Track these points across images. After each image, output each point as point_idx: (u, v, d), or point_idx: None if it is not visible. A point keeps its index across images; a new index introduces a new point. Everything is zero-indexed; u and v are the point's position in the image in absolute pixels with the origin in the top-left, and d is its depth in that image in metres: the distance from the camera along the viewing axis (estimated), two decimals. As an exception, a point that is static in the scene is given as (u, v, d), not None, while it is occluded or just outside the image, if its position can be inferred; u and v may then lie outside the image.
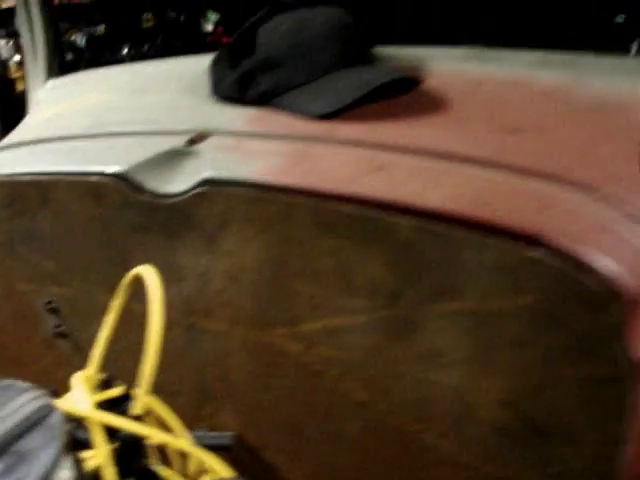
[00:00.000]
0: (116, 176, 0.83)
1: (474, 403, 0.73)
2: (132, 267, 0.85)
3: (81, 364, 1.05)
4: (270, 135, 0.83)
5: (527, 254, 0.62)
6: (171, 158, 0.83)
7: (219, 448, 0.96)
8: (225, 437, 0.96)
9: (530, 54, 0.94)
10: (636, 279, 0.62)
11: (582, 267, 0.61)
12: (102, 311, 0.80)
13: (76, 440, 0.66)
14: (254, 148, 0.81)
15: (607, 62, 0.89)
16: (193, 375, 0.96)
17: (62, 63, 1.38)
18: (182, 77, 1.07)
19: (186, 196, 0.79)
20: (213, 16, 3.45)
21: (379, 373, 0.77)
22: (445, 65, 0.97)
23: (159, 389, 1.01)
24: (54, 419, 0.56)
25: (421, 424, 0.78)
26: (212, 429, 0.97)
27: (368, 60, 0.95)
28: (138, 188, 0.82)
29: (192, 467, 0.75)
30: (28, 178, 0.92)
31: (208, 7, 3.38)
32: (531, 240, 0.62)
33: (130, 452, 0.68)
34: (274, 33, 0.94)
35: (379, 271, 0.70)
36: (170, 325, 0.91)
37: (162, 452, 0.77)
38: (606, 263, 0.61)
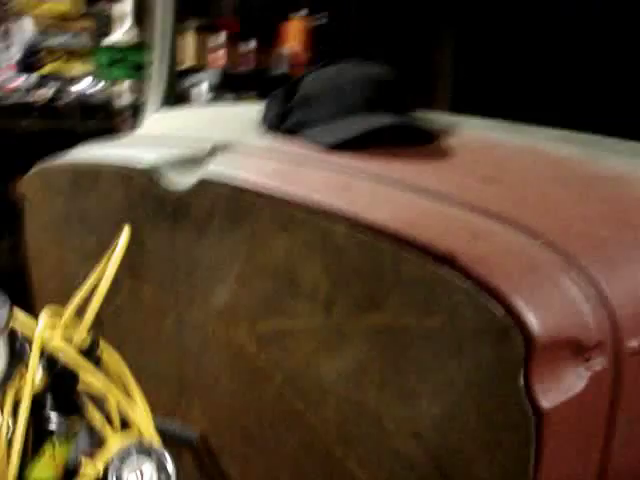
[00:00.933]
0: (142, 171, 0.96)
1: (390, 431, 0.73)
2: (144, 248, 0.97)
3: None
4: (274, 152, 0.93)
5: (439, 272, 0.64)
6: (190, 161, 0.95)
7: (185, 443, 1.01)
8: (190, 433, 1.01)
9: (556, 130, 0.96)
10: (549, 326, 0.61)
11: (492, 294, 0.61)
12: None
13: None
14: (254, 161, 0.90)
15: (627, 145, 0.89)
16: (175, 366, 1.03)
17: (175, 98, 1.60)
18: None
19: (185, 192, 0.90)
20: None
21: (313, 385, 0.79)
22: (472, 130, 1.01)
23: (145, 373, 1.09)
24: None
25: (344, 448, 0.78)
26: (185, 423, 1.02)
27: (396, 112, 1.02)
28: (155, 183, 0.94)
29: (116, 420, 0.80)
30: (85, 164, 1.08)
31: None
32: (445, 260, 0.64)
33: (63, 385, 0.75)
34: (317, 78, 1.06)
35: (318, 275, 0.74)
36: (164, 311, 1.00)
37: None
38: (518, 298, 0.61)
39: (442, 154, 0.91)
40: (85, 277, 1.12)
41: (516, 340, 0.60)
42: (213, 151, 0.96)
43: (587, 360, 0.64)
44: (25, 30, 2.88)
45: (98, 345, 0.87)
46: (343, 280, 0.72)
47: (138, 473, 0.75)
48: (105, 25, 3.04)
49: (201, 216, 0.88)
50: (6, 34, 3.05)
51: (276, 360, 0.83)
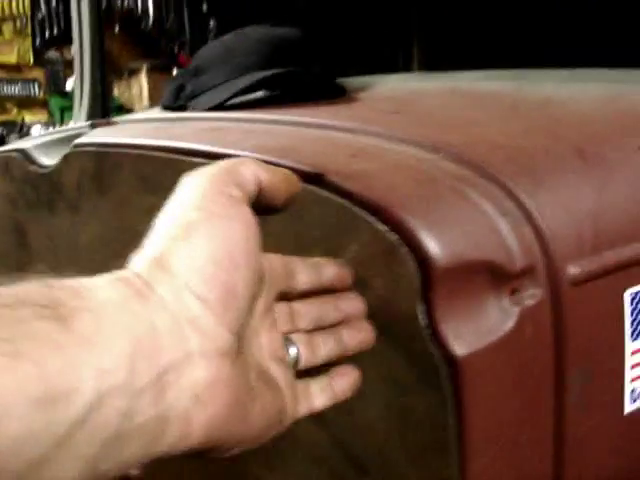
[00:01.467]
0: (20, 151, 0.84)
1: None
2: (27, 236, 0.84)
3: None
4: (152, 121, 0.81)
5: (314, 195, 0.50)
6: (64, 141, 0.82)
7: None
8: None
9: (487, 71, 0.85)
10: (452, 245, 0.47)
11: (371, 210, 0.47)
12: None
13: None
14: (126, 129, 0.78)
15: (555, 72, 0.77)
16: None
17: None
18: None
19: (54, 169, 0.77)
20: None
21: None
22: (395, 82, 0.89)
23: None
24: None
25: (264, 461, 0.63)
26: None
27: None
28: (27, 165, 0.82)
29: None
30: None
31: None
32: (314, 178, 0.51)
33: None
34: (210, 48, 0.94)
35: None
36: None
37: None
38: (404, 211, 0.47)
39: (348, 101, 0.78)
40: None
41: (408, 263, 0.45)
42: (91, 128, 0.84)
43: (514, 292, 0.50)
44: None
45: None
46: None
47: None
48: (56, 74, 2.97)
49: (71, 191, 0.75)
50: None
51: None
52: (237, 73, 0.86)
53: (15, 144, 0.90)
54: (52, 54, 3.05)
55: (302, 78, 0.84)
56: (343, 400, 0.45)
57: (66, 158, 0.75)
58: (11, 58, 3.16)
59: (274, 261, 0.41)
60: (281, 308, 0.43)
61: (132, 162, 0.66)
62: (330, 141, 0.58)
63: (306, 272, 0.43)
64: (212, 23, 3.09)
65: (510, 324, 0.49)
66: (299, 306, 0.44)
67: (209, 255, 0.33)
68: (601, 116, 0.60)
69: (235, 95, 0.78)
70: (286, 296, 0.42)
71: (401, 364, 0.48)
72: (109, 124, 0.84)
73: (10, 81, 3.08)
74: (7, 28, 3.16)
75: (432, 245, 0.45)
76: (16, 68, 3.18)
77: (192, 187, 0.36)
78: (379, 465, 0.53)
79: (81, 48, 1.56)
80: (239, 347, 0.35)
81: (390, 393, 0.50)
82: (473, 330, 0.47)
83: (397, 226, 0.46)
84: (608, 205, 0.55)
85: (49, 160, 0.80)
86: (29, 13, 3.18)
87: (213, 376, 0.32)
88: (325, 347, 0.44)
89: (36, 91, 3.09)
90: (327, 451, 0.56)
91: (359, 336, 0.46)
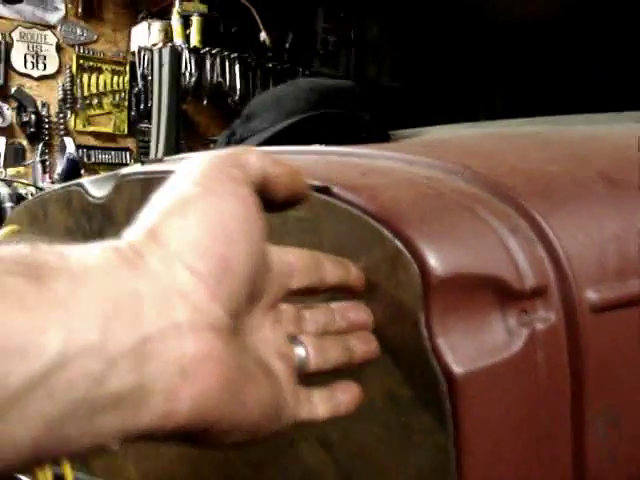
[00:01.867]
0: (79, 185, 0.89)
1: (296, 441, 0.57)
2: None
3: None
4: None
5: (328, 205, 0.50)
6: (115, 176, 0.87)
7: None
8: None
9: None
10: (454, 257, 0.46)
11: (384, 224, 0.47)
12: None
13: None
14: (174, 161, 0.81)
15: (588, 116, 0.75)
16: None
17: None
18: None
19: (105, 199, 0.81)
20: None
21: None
22: (438, 131, 0.90)
23: None
24: None
25: (256, 473, 0.62)
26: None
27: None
28: (88, 194, 0.86)
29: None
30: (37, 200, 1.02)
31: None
32: (323, 192, 0.51)
33: None
34: (260, 96, 0.99)
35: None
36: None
37: None
38: (406, 222, 0.46)
39: (391, 143, 0.79)
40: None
41: (411, 271, 0.44)
42: (141, 164, 0.88)
43: (523, 313, 0.47)
44: (69, 147, 3.01)
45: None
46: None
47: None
48: (146, 143, 3.15)
49: (121, 218, 0.79)
50: (51, 152, 3.21)
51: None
52: (284, 118, 0.88)
53: (75, 180, 0.95)
54: (144, 125, 3.26)
55: (344, 122, 0.85)
56: (344, 414, 0.43)
57: (116, 188, 0.79)
58: (108, 128, 3.40)
59: (291, 256, 0.41)
60: (288, 309, 0.42)
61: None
62: (346, 163, 0.58)
63: (335, 268, 0.43)
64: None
65: (517, 346, 0.46)
66: (306, 310, 0.43)
67: (204, 229, 0.32)
68: (631, 146, 0.58)
69: (277, 134, 0.81)
70: (315, 290, 0.42)
71: (401, 380, 0.46)
72: (158, 161, 0.88)
73: (104, 149, 3.30)
74: (107, 101, 3.41)
75: (430, 255, 0.44)
76: (111, 138, 3.40)
77: (194, 166, 0.36)
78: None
79: (159, 114, 1.64)
80: (235, 328, 0.33)
81: (391, 412, 0.48)
82: (475, 348, 0.45)
83: (398, 235, 0.45)
84: (635, 232, 0.52)
85: (102, 192, 0.84)
86: (127, 88, 3.44)
87: (203, 351, 0.31)
88: (334, 353, 0.43)
89: (127, 158, 3.29)
90: (331, 477, 0.53)
91: (364, 347, 0.45)
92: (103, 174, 0.91)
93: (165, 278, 0.31)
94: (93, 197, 0.85)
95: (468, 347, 0.45)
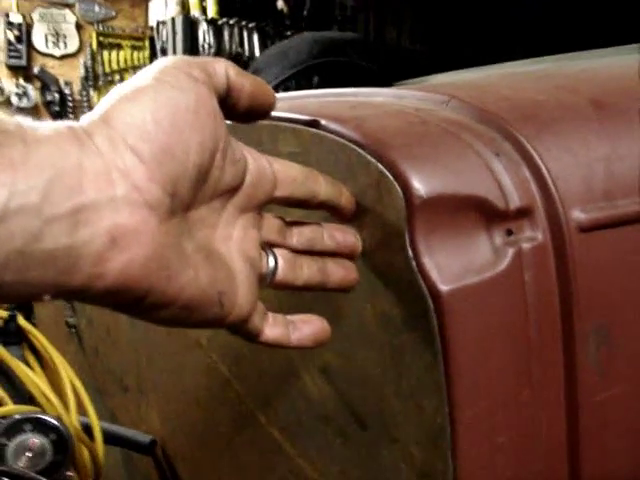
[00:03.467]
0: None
1: (300, 373, 0.59)
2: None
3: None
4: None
5: (316, 137, 0.51)
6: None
7: (141, 449, 0.89)
8: (145, 439, 0.88)
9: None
10: (437, 178, 0.47)
11: (368, 150, 0.48)
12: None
13: None
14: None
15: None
16: (134, 368, 0.92)
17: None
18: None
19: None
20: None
21: (231, 339, 0.66)
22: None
23: (96, 376, 0.99)
24: None
25: (268, 414, 0.64)
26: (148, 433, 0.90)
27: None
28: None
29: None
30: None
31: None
32: (311, 124, 0.52)
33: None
34: (266, 52, 0.99)
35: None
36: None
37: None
38: (391, 146, 0.47)
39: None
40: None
41: (395, 194, 0.45)
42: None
43: (509, 233, 0.48)
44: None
45: (15, 320, 0.80)
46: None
47: (30, 448, 0.65)
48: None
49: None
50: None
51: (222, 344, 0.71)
52: (288, 70, 0.89)
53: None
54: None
55: (347, 70, 0.86)
56: (298, 347, 0.45)
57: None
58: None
59: (277, 165, 0.43)
60: (274, 221, 0.45)
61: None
62: (339, 101, 0.59)
63: (328, 185, 0.45)
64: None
65: (503, 264, 0.47)
66: (294, 224, 0.45)
67: (151, 115, 0.35)
68: (627, 75, 0.58)
69: (282, 82, 0.82)
70: (307, 203, 0.44)
71: (392, 301, 0.48)
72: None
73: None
74: (128, 77, 3.45)
75: (412, 176, 0.45)
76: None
77: (157, 63, 0.38)
78: (376, 417, 0.52)
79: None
80: (174, 209, 0.36)
81: (384, 334, 0.49)
82: (460, 266, 0.46)
83: (381, 159, 0.46)
84: (625, 153, 0.52)
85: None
86: (148, 62, 3.46)
87: (134, 224, 0.34)
88: (307, 271, 0.45)
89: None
90: (334, 408, 0.55)
91: (342, 272, 0.46)
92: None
93: (108, 156, 0.34)
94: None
95: (453, 266, 0.46)
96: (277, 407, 0.63)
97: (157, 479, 0.89)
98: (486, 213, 0.47)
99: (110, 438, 0.83)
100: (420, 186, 0.45)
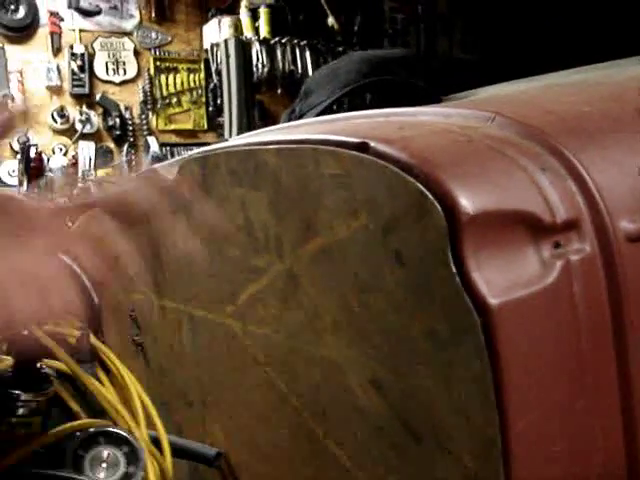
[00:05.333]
0: (152, 171, 0.96)
1: (353, 387, 0.60)
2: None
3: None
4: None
5: (358, 158, 0.54)
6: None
7: (205, 461, 0.92)
8: (210, 452, 0.91)
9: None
10: (483, 196, 0.48)
11: (406, 170, 0.50)
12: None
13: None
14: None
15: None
16: (197, 384, 0.95)
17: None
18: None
19: (175, 176, 0.87)
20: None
21: (285, 354, 0.69)
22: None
23: (162, 390, 1.03)
24: None
25: (323, 426, 0.66)
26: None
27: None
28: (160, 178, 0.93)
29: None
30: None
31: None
32: (358, 148, 0.54)
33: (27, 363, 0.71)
34: (316, 72, 1.02)
35: (266, 215, 0.66)
36: (179, 320, 0.95)
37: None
38: (437, 167, 0.49)
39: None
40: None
41: (435, 213, 0.47)
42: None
43: (556, 246, 0.49)
44: (152, 146, 3.16)
45: (87, 338, 0.84)
46: (282, 210, 0.64)
47: (104, 459, 0.69)
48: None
49: (183, 201, 0.84)
50: (136, 152, 3.37)
51: (256, 336, 0.74)
52: (339, 90, 0.92)
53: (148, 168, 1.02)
54: (222, 119, 3.36)
55: (395, 88, 0.88)
56: None
57: (180, 169, 0.85)
58: (188, 125, 3.53)
59: None
60: None
61: (224, 159, 0.73)
62: (388, 121, 0.61)
63: None
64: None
65: (552, 277, 0.48)
66: None
67: None
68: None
69: (331, 105, 0.84)
70: None
71: (437, 316, 0.49)
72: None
73: (186, 145, 3.43)
74: (185, 99, 3.55)
75: (459, 194, 0.47)
76: (192, 134, 3.54)
77: None
78: (430, 429, 0.53)
79: (230, 104, 1.69)
80: None
81: (432, 348, 0.51)
82: (508, 280, 0.47)
83: (426, 178, 0.48)
84: (672, 163, 0.53)
85: (171, 174, 0.90)
86: (203, 84, 3.56)
87: None
88: None
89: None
90: (387, 421, 0.57)
91: None
92: (172, 159, 0.97)
93: None
94: (164, 180, 0.91)
95: (502, 280, 0.47)
96: (333, 421, 0.64)
97: (223, 491, 0.92)
98: (533, 227, 0.48)
99: (177, 451, 0.86)
100: (467, 203, 0.46)
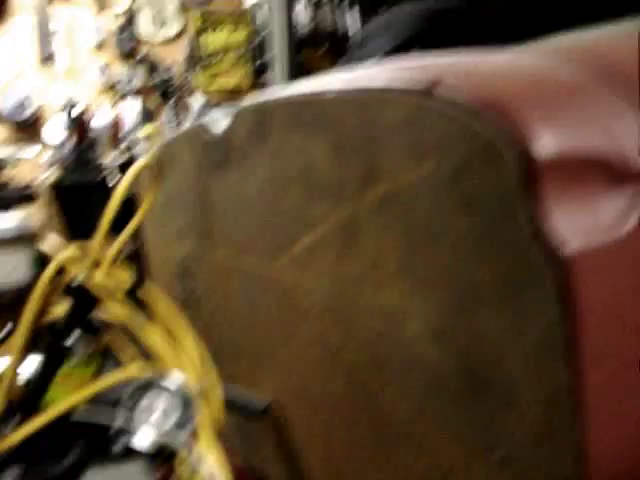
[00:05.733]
0: (200, 125, 0.95)
1: (413, 339, 0.60)
2: (214, 207, 0.94)
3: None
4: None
5: (425, 104, 0.52)
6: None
7: (253, 411, 0.93)
8: (258, 402, 0.92)
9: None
10: (555, 140, 0.46)
11: (478, 112, 0.48)
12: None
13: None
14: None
15: None
16: (249, 336, 0.96)
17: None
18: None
19: (227, 127, 0.86)
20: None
21: (341, 305, 0.68)
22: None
23: (212, 342, 1.04)
24: None
25: (377, 378, 0.65)
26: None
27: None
28: (204, 133, 0.92)
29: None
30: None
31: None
32: (426, 92, 0.52)
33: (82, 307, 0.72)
34: (373, 22, 1.00)
35: (326, 163, 0.65)
36: (232, 271, 0.95)
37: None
38: (511, 108, 0.47)
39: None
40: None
41: (510, 160, 0.45)
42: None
43: (634, 194, 0.47)
44: (198, 103, 3.16)
45: (141, 284, 0.85)
46: (344, 157, 0.62)
47: (157, 408, 0.70)
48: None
49: (240, 149, 0.84)
50: (180, 109, 3.38)
51: (309, 288, 0.74)
52: (393, 43, 0.90)
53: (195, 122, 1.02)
54: (264, 77, 3.34)
55: (451, 38, 0.85)
56: None
57: (233, 121, 0.84)
58: (232, 84, 3.52)
59: None
60: None
61: (282, 107, 0.72)
62: (457, 62, 0.59)
63: None
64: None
65: (630, 226, 0.46)
66: None
67: None
68: None
69: (387, 54, 0.82)
70: None
71: (510, 264, 0.48)
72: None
73: (229, 102, 3.43)
74: (229, 57, 3.53)
75: (534, 137, 0.45)
76: (236, 92, 3.52)
77: None
78: (497, 377, 0.52)
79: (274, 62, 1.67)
80: None
81: (502, 295, 0.49)
82: (584, 228, 0.46)
83: (498, 121, 0.46)
84: None
85: (221, 127, 0.89)
86: (247, 43, 3.53)
87: None
88: None
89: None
90: (448, 372, 0.56)
91: None
92: (221, 110, 0.96)
93: None
94: (212, 133, 0.91)
95: (579, 227, 0.46)
96: (389, 374, 0.64)
97: (271, 443, 0.93)
98: (611, 175, 0.46)
99: (227, 402, 0.87)
100: (543, 147, 0.45)
